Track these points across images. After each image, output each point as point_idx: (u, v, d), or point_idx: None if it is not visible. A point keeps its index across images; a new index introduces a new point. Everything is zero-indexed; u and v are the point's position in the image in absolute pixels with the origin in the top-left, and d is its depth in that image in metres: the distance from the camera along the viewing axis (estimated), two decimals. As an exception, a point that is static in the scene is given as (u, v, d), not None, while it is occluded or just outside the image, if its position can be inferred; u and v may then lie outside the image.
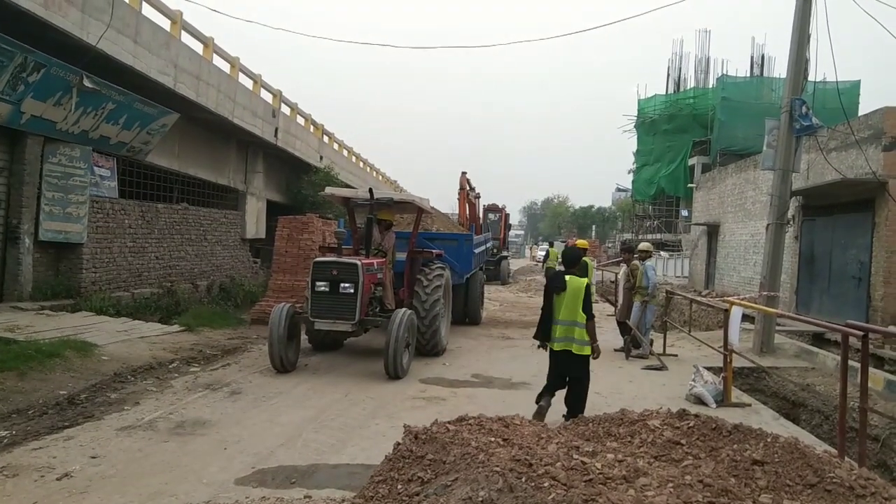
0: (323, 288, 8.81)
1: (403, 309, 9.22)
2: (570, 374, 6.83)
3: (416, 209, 11.05)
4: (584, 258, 11.54)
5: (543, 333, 6.91)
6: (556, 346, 6.79)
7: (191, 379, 8.33)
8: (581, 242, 13.22)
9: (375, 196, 9.96)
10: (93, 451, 5.48)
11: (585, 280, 6.97)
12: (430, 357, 10.13)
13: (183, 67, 15.73)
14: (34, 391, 7.01)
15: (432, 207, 12.29)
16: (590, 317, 6.70)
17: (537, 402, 6.69)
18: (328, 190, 10.86)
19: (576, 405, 6.73)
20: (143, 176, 17.85)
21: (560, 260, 8.04)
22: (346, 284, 8.75)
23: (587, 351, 6.73)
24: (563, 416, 6.71)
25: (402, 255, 10.69)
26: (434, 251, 11.15)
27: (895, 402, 7.93)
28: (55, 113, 12.05)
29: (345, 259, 9.06)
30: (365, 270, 8.92)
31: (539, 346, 7.06)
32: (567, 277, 6.85)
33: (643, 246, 11.82)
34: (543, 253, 29.59)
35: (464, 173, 22.56)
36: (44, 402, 6.77)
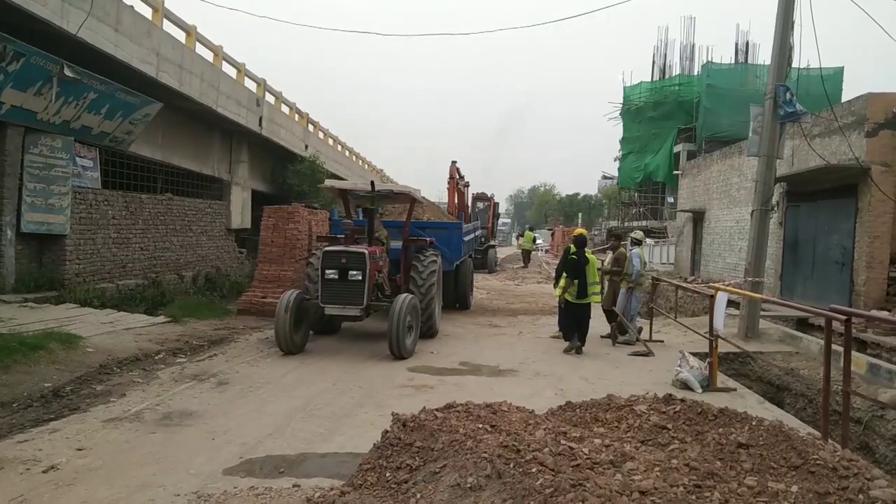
0: (332, 275, 9.30)
1: (406, 294, 9.69)
2: (581, 317, 10.12)
3: (409, 199, 11.47)
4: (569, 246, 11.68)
5: (581, 292, 9.99)
6: (588, 300, 10.09)
7: (177, 370, 8.28)
8: (580, 230, 13.84)
9: (376, 188, 10.53)
10: (79, 444, 5.44)
11: (594, 257, 10.57)
12: (422, 341, 10.34)
13: (165, 56, 15.54)
14: (18, 384, 6.95)
15: (423, 197, 12.72)
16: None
17: (570, 346, 10.04)
18: (327, 182, 11.23)
19: (584, 335, 10.14)
20: (126, 166, 17.66)
21: (572, 244, 10.74)
22: (355, 272, 9.25)
23: (598, 300, 10.54)
24: (577, 345, 9.96)
25: (396, 244, 11.32)
26: (427, 239, 11.64)
27: (878, 386, 8.04)
28: (36, 103, 11.87)
29: (353, 248, 9.55)
30: (370, 258, 9.41)
31: (559, 301, 10.57)
32: (586, 255, 10.18)
33: (635, 234, 11.96)
34: (523, 238, 36.59)
35: (454, 162, 22.45)
36: (28, 394, 6.72)
